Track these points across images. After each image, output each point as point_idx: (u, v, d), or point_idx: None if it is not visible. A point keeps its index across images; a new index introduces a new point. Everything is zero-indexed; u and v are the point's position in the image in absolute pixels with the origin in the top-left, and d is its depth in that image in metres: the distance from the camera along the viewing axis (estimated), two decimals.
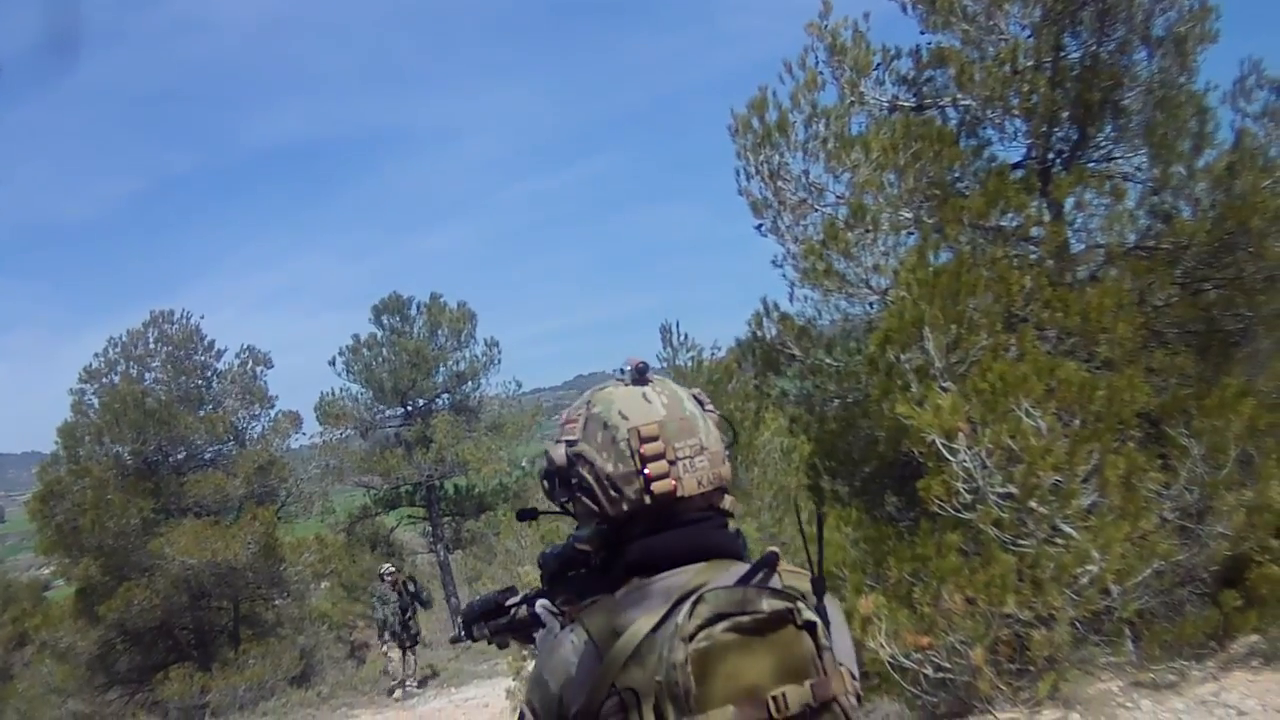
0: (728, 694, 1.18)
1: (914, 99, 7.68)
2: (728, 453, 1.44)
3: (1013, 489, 5.79)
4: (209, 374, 17.49)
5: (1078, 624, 5.74)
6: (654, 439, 1.34)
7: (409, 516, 22.27)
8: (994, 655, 5.55)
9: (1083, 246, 7.37)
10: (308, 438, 20.02)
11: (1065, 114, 7.70)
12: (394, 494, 21.49)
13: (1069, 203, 7.35)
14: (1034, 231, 7.03)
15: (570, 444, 1.41)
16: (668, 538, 1.35)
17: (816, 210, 6.99)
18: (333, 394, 20.81)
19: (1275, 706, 5.67)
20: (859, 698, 1.30)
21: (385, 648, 14.47)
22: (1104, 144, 7.89)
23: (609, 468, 1.36)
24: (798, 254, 6.85)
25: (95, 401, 16.40)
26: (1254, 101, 7.94)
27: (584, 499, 1.39)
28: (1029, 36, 7.67)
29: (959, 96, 7.59)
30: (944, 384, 6.06)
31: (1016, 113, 7.62)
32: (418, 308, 21.29)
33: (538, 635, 1.57)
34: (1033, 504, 5.79)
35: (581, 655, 1.27)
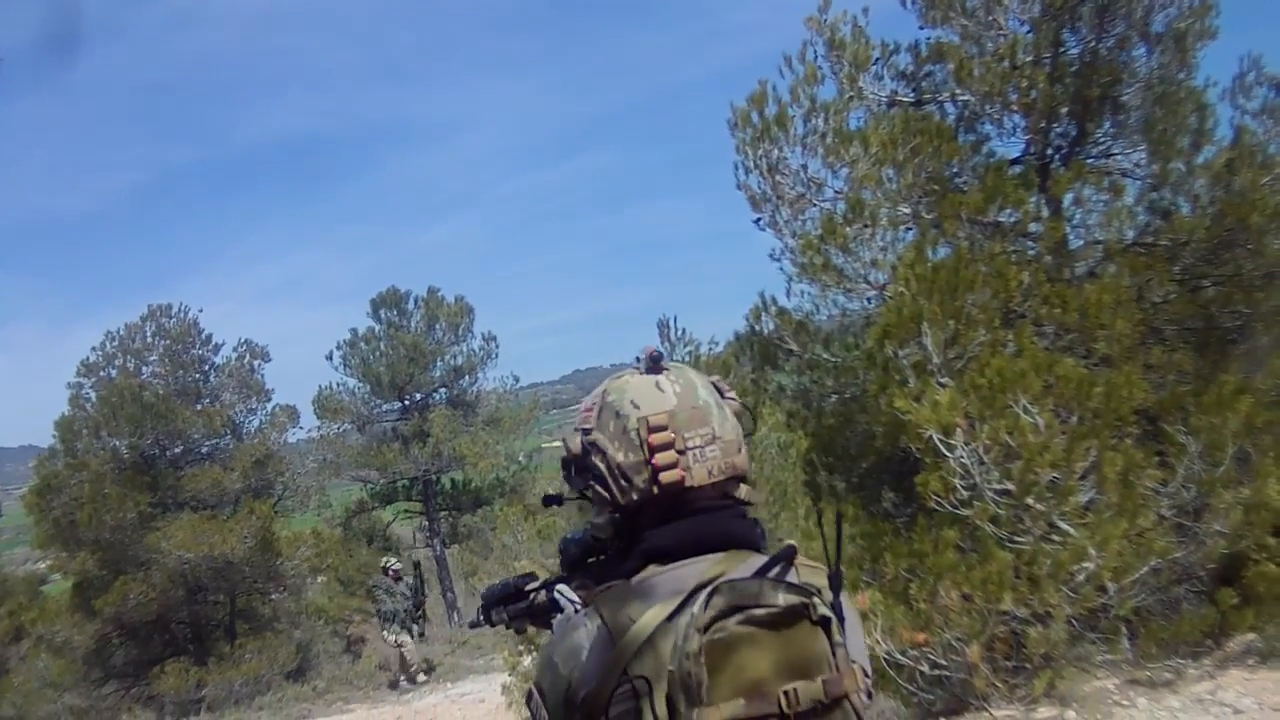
0: (739, 687, 1.18)
1: (913, 94, 7.66)
2: (746, 441, 1.43)
3: (1010, 485, 5.77)
4: (206, 368, 17.47)
5: (1074, 621, 5.73)
6: (663, 428, 1.34)
7: (405, 511, 22.29)
8: (990, 652, 5.54)
9: (1081, 243, 7.35)
10: (305, 432, 20.09)
11: (1064, 110, 7.68)
12: (390, 488, 21.52)
13: (1067, 199, 7.33)
14: (1032, 227, 7.01)
15: (586, 432, 1.43)
16: (685, 526, 1.35)
17: (815, 205, 6.97)
18: (330, 388, 20.86)
19: (1272, 705, 5.65)
20: (869, 695, 1.31)
21: (396, 639, 14.42)
22: (1103, 140, 7.87)
23: (619, 457, 1.36)
24: (796, 249, 6.83)
25: (93, 395, 16.38)
26: (1253, 98, 7.89)
27: (597, 487, 1.40)
28: (1028, 32, 7.66)
29: (958, 92, 7.57)
30: (942, 379, 6.04)
31: (1015, 108, 7.59)
32: (415, 302, 21.32)
33: (555, 620, 1.59)
34: (1030, 500, 5.77)
35: (594, 640, 1.27)
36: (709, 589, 1.21)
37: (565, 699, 1.28)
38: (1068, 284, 6.88)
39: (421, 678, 14.40)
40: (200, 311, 17.51)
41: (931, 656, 5.49)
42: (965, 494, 5.69)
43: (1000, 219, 6.88)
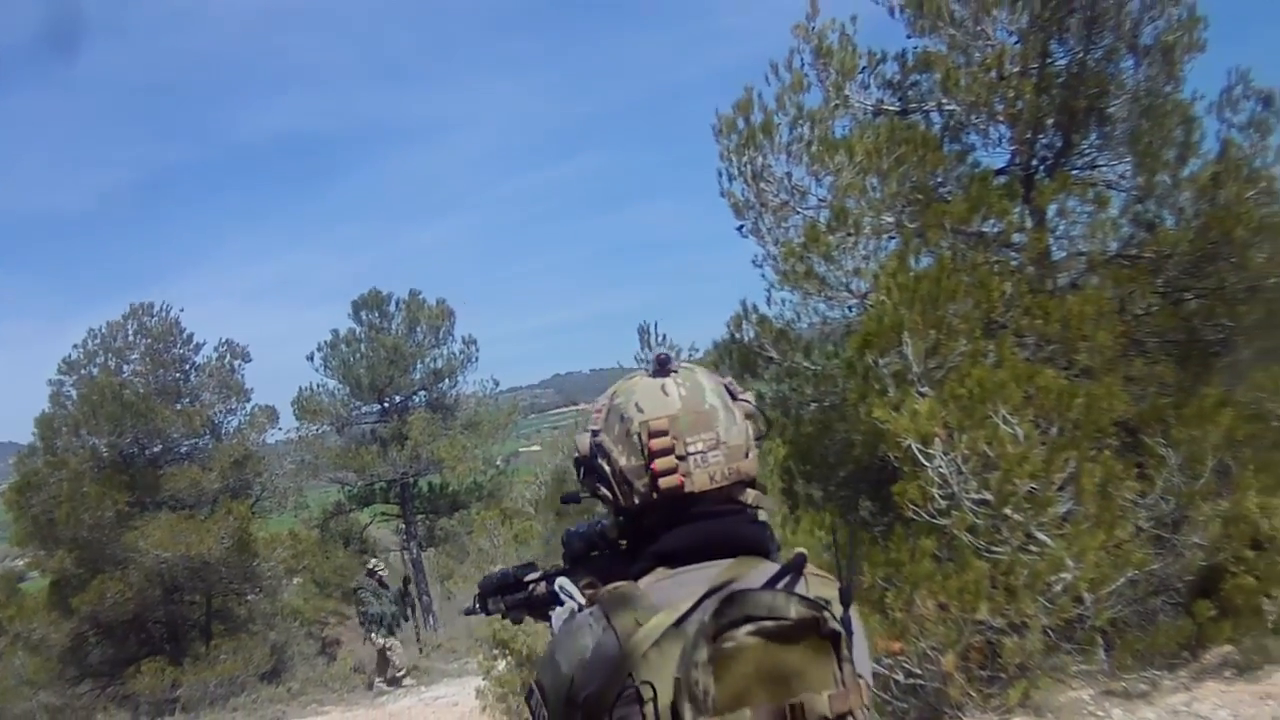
0: (746, 698, 1.17)
1: (899, 103, 7.71)
2: (756, 445, 1.43)
3: (988, 495, 5.81)
4: (187, 367, 17.48)
5: (1050, 632, 5.76)
6: (663, 433, 1.34)
7: (382, 514, 22.43)
8: (965, 662, 5.56)
9: (1064, 254, 7.41)
10: (284, 433, 20.24)
11: (1050, 121, 7.74)
12: (368, 491, 21.70)
13: (1052, 209, 7.38)
14: (1016, 238, 7.06)
15: (594, 434, 1.44)
16: (696, 529, 1.35)
17: (798, 213, 7.00)
18: (311, 389, 21.04)
19: (1247, 717, 5.70)
20: (870, 709, 1.30)
21: (384, 641, 14.46)
22: (1088, 151, 7.94)
23: (622, 461, 1.37)
24: (778, 256, 6.87)
25: (73, 393, 16.36)
26: (1240, 112, 7.92)
27: (603, 489, 1.41)
28: (1016, 42, 7.71)
29: (944, 101, 7.62)
30: (921, 389, 6.08)
31: (1001, 119, 7.65)
32: (397, 304, 21.49)
33: (553, 613, 1.57)
34: (1008, 511, 5.81)
35: (599, 640, 1.26)
36: (721, 597, 1.21)
37: (567, 698, 1.28)
38: (1050, 295, 6.93)
39: (408, 681, 14.45)
40: (182, 310, 17.56)
41: (906, 665, 5.51)
42: (943, 503, 5.72)
43: (984, 229, 6.93)
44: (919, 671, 5.51)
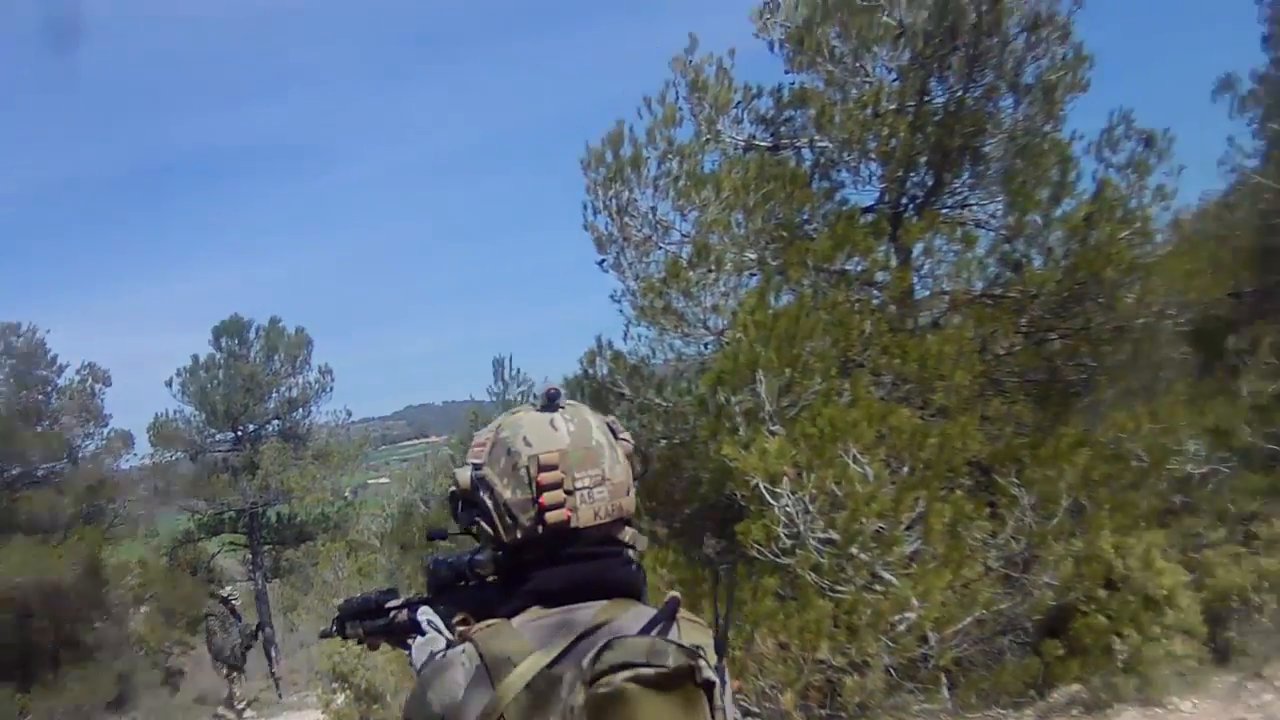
0: None
1: (771, 139, 8.08)
2: (635, 484, 1.47)
3: (834, 535, 6.15)
4: (49, 389, 17.43)
5: (892, 670, 6.10)
6: (553, 467, 1.38)
7: (231, 543, 22.77)
8: (804, 700, 5.88)
9: (928, 292, 7.82)
10: (138, 458, 20.43)
11: (923, 159, 8.13)
12: (217, 520, 22.08)
13: (917, 248, 7.75)
14: (879, 276, 7.45)
15: (476, 467, 1.46)
16: (573, 570, 1.38)
17: (661, 248, 7.32)
18: (167, 415, 21.29)
19: None
20: None
21: (231, 675, 14.55)
22: (960, 190, 8.33)
23: (507, 494, 1.40)
24: (637, 290, 7.18)
25: None
26: (1120, 152, 8.25)
27: (483, 523, 1.44)
28: (895, 80, 8.06)
29: (816, 138, 7.98)
30: (773, 427, 6.41)
31: (873, 156, 8.01)
32: (257, 331, 21.94)
33: (413, 642, 1.60)
34: (854, 550, 6.15)
35: (471, 679, 1.28)
36: (600, 642, 1.23)
37: None
38: (910, 334, 7.34)
39: (249, 713, 14.57)
40: (48, 331, 17.55)
41: (744, 704, 5.80)
42: (788, 542, 6.05)
43: (847, 267, 7.31)
44: (757, 710, 5.80)
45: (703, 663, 1.25)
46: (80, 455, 17.47)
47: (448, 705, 1.29)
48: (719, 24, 9.52)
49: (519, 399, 8.13)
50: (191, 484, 20.80)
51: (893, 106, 8.02)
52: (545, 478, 1.37)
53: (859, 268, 7.37)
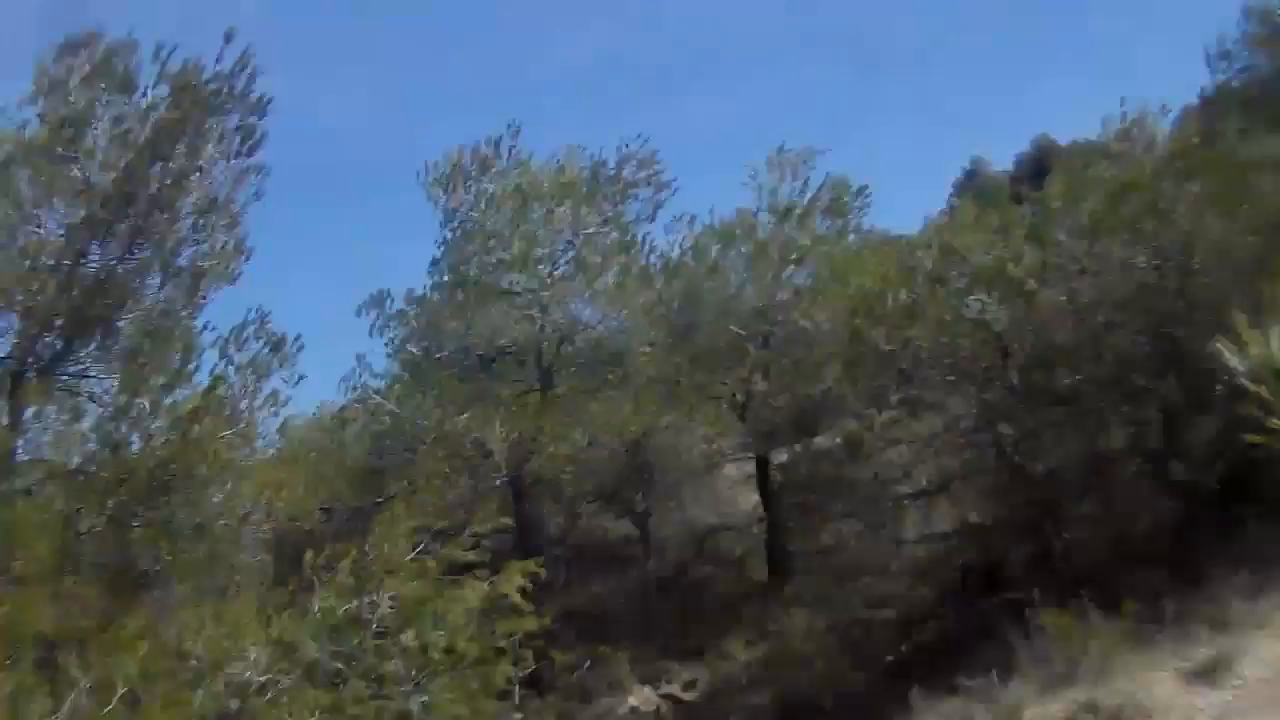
0: None
1: None
2: None
3: None
4: None
5: None
6: None
7: None
8: None
9: (29, 458, 7.74)
10: None
11: (59, 321, 8.16)
12: None
13: (29, 412, 7.73)
14: None
15: None
16: None
17: None
18: None
19: None
20: None
21: None
22: (84, 359, 8.44)
23: None
24: None
25: None
26: (245, 350, 8.61)
27: None
28: (62, 235, 8.04)
29: None
30: None
31: (17, 309, 7.85)
32: None
33: None
34: None
35: None
36: None
37: None
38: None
39: None
40: None
41: None
42: None
43: None
44: None
45: None
46: None
47: None
48: None
49: None
50: None
51: (51, 262, 7.99)
52: None
53: None
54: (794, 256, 11.95)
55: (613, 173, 12.32)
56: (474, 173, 12.05)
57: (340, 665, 7.96)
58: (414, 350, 13.22)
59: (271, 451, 10.05)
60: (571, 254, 11.95)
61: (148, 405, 8.31)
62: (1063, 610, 8.25)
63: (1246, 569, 8.16)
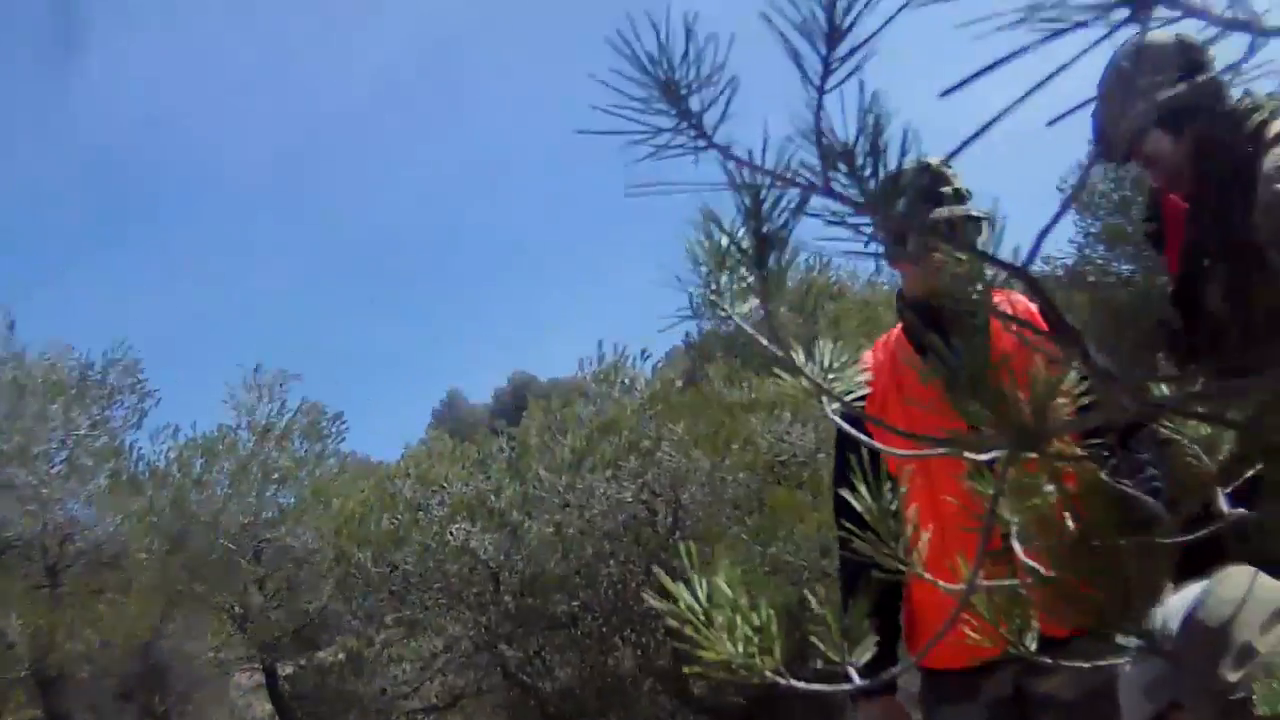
0: None
1: None
2: None
3: None
4: None
5: None
6: None
7: None
8: None
9: None
10: None
11: None
12: None
13: None
14: None
15: None
16: None
17: None
18: None
19: None
20: None
21: None
22: None
23: None
24: None
25: None
26: None
27: None
28: None
29: None
30: None
31: None
32: None
33: None
34: None
35: None
36: None
37: None
38: None
39: None
40: None
41: None
42: None
43: None
44: None
45: None
46: None
47: None
48: None
49: None
50: None
51: None
52: None
53: None
54: (275, 476, 11.62)
55: (99, 376, 11.86)
56: None
57: None
58: None
59: None
60: (65, 454, 11.38)
61: None
62: None
63: None
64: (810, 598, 1.00)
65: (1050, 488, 0.98)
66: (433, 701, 12.23)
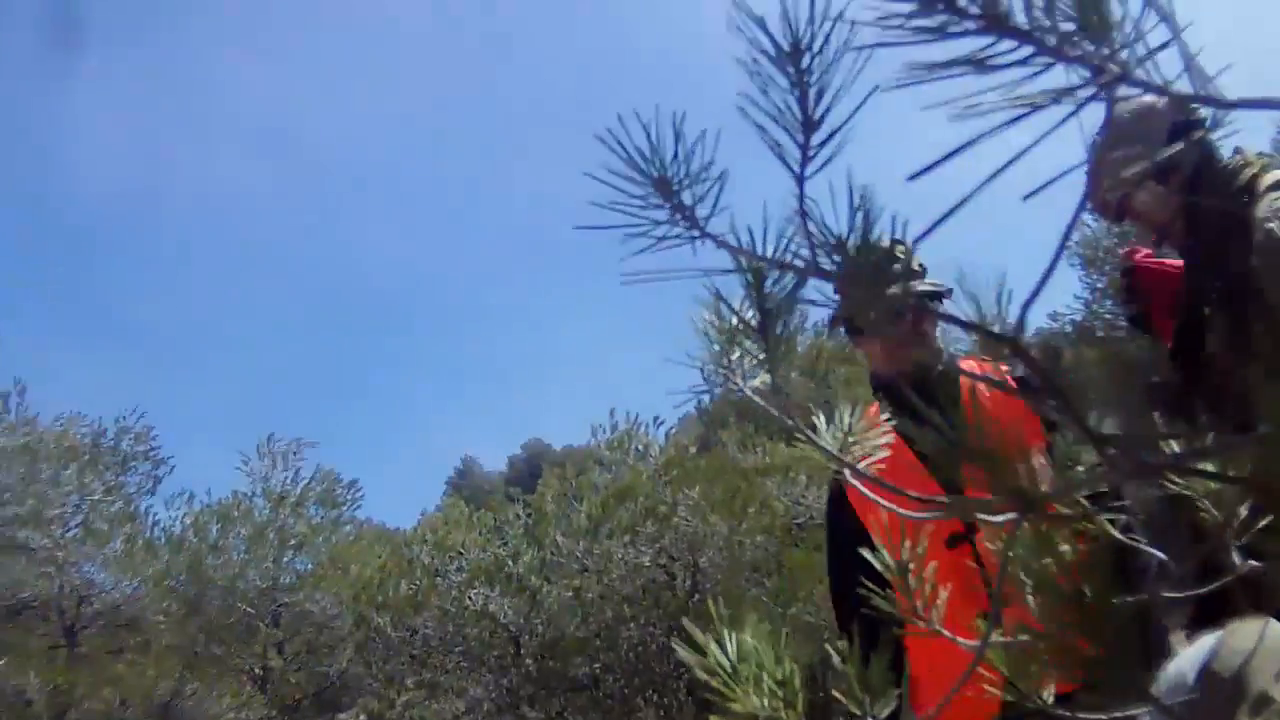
0: None
1: None
2: None
3: None
4: None
5: None
6: None
7: None
8: None
9: None
10: None
11: None
12: None
13: None
14: None
15: None
16: None
17: None
18: None
19: None
20: None
21: None
22: None
23: None
24: None
25: None
26: None
27: None
28: None
29: None
30: None
31: None
32: None
33: None
34: None
35: None
36: None
37: None
38: None
39: None
40: None
41: None
42: None
43: None
44: None
45: None
46: None
47: None
48: None
49: None
50: None
51: None
52: None
53: None
54: (292, 542, 11.68)
55: (112, 443, 12.00)
56: None
57: None
58: None
59: None
60: (80, 518, 11.49)
61: None
62: None
63: None
64: (834, 653, 1.04)
65: (1062, 548, 1.01)
66: None
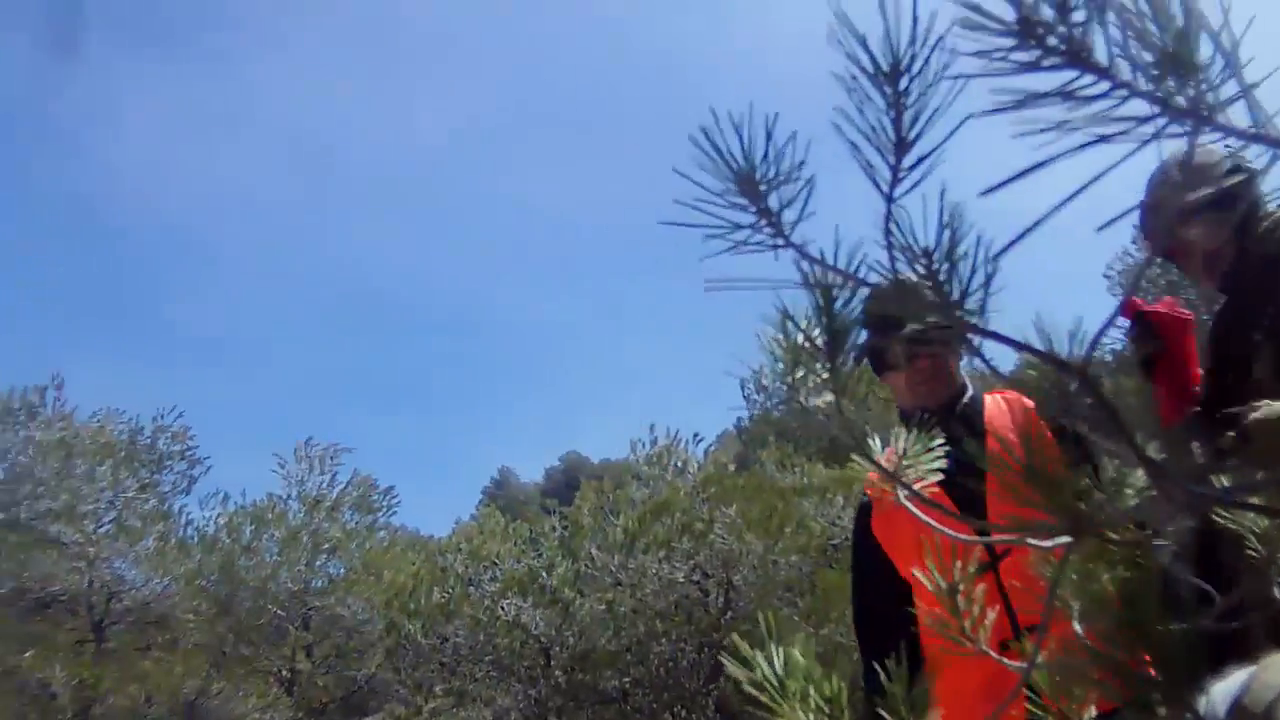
0: None
1: None
2: None
3: None
4: None
5: None
6: None
7: None
8: None
9: None
10: None
11: None
12: None
13: None
14: None
15: None
16: None
17: None
18: None
19: None
20: None
21: None
22: None
23: None
24: None
25: None
26: None
27: None
28: None
29: None
30: None
31: None
32: None
33: None
34: None
35: None
36: None
37: None
38: None
39: None
40: None
41: None
42: None
43: None
44: None
45: None
46: None
47: None
48: None
49: None
50: None
51: None
52: None
53: None
54: (326, 546, 11.75)
55: (148, 441, 12.12)
56: (23, 418, 11.68)
57: None
58: None
59: None
60: (114, 514, 11.61)
61: None
62: None
63: None
64: (880, 670, 1.05)
65: (1111, 574, 1.02)
66: None
